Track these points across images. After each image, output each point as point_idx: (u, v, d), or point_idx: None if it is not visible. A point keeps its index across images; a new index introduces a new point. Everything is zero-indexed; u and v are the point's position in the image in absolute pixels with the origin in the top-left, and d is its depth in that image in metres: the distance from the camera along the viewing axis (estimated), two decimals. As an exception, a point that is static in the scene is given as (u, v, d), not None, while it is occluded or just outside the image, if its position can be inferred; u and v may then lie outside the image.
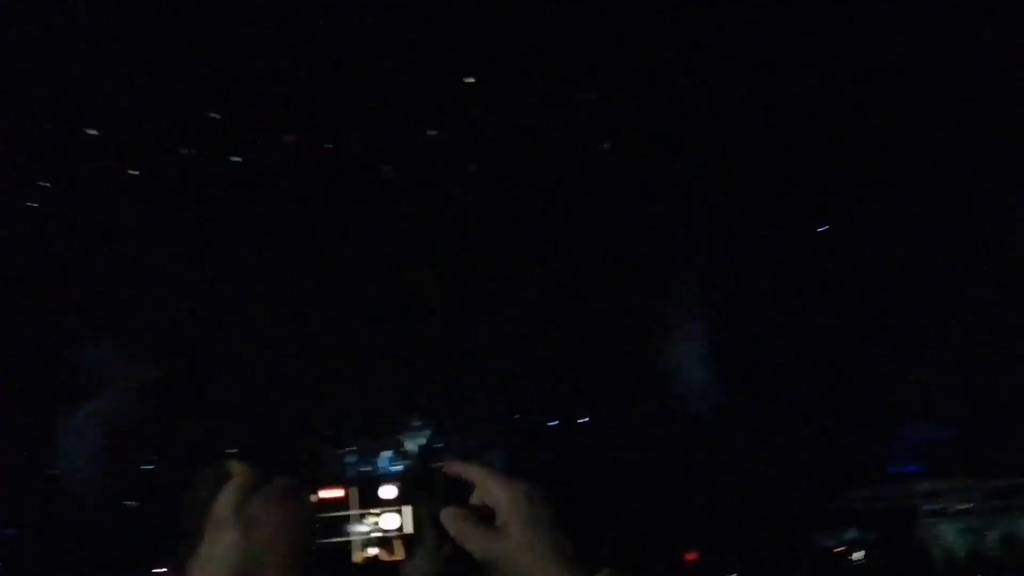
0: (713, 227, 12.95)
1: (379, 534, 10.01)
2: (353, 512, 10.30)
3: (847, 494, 10.53)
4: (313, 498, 8.67)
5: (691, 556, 9.24)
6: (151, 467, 12.55)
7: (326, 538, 9.96)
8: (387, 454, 12.07)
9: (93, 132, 11.47)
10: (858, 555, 9.42)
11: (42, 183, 11.69)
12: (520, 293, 13.26)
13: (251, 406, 12.91)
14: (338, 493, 10.38)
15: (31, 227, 12.13)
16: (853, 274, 11.87)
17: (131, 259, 13.17)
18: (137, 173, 11.96)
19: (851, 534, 9.80)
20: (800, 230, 12.44)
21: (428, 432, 12.09)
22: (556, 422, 12.66)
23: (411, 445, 11.81)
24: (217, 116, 11.65)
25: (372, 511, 10.28)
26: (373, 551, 9.85)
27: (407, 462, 11.65)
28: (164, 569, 8.75)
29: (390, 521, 10.31)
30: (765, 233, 12.56)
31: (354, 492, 10.34)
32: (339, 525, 10.22)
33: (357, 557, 9.91)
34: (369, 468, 12.09)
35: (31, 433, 12.72)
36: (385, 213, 13.09)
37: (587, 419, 12.65)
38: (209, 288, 13.21)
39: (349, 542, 10.18)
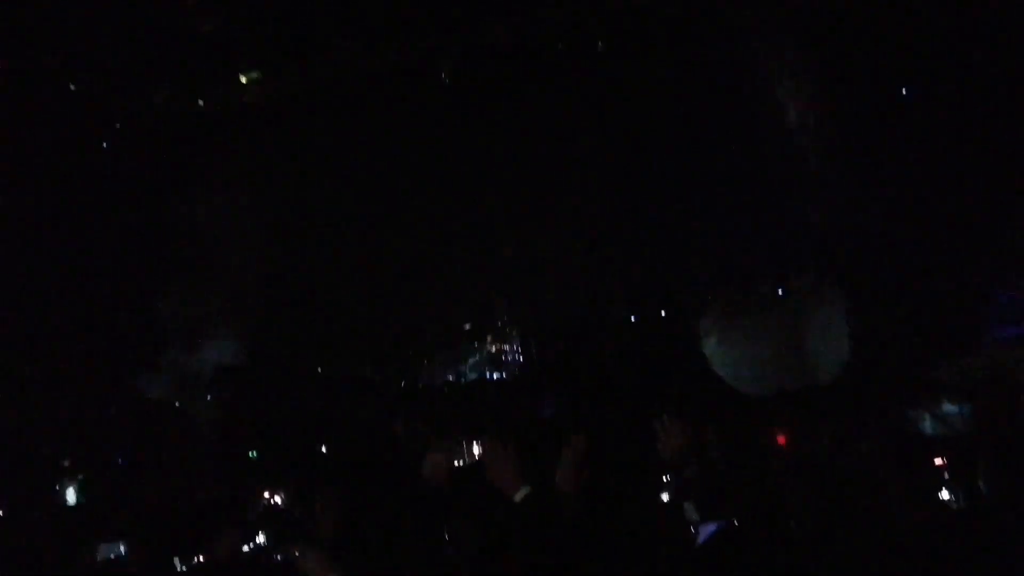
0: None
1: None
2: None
3: (940, 364, 10.15)
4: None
5: (781, 439, 9.16)
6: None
7: None
8: (472, 360, 12.30)
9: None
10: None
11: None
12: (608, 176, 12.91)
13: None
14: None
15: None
16: (947, 131, 11.13)
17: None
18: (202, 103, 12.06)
19: (946, 409, 9.50)
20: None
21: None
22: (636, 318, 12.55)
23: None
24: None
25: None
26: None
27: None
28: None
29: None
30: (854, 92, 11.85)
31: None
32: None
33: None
34: (451, 377, 12.37)
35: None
36: (447, 118, 12.86)
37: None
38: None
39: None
